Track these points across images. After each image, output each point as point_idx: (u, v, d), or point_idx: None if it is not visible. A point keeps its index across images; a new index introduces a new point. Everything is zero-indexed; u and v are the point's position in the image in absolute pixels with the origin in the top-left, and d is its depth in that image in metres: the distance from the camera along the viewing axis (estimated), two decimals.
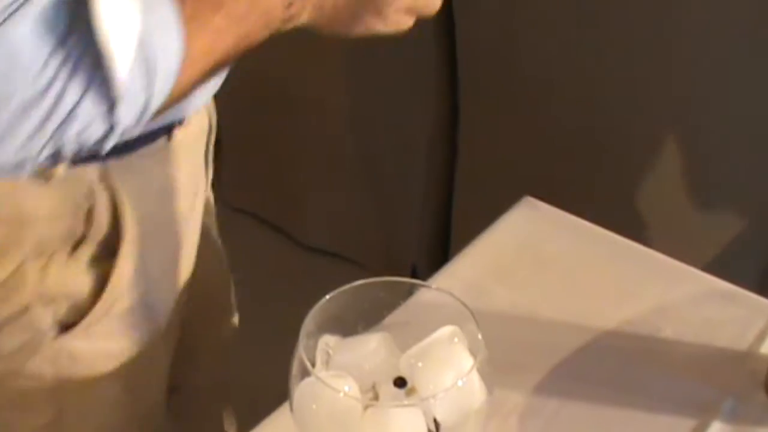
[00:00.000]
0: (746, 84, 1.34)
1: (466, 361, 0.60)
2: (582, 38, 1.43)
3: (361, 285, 0.61)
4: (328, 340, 0.62)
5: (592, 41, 1.41)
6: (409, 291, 0.64)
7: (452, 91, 1.62)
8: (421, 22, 0.73)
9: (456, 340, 0.61)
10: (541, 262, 0.93)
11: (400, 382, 0.62)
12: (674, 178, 1.45)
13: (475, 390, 0.60)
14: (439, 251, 1.84)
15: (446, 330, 0.62)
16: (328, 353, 0.62)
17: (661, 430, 0.78)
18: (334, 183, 1.93)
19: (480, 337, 0.60)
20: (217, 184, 0.98)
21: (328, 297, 0.60)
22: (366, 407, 0.57)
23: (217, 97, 0.87)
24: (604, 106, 1.45)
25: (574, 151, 1.50)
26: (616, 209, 1.25)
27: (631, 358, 0.84)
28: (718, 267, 0.96)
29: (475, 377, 0.60)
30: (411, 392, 0.61)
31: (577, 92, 1.46)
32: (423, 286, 0.64)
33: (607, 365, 0.83)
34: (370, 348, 0.61)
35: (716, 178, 1.43)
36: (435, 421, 0.60)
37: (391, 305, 0.64)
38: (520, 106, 1.54)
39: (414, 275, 1.80)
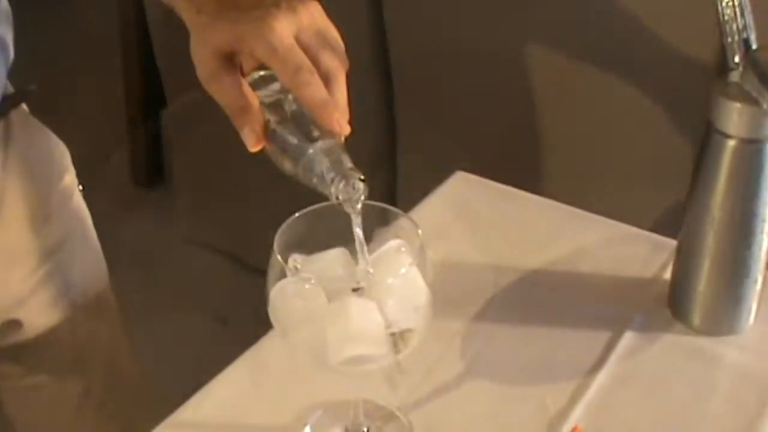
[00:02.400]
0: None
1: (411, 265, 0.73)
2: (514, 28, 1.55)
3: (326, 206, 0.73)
4: (296, 257, 0.75)
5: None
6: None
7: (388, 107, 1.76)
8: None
9: (403, 249, 0.74)
10: (473, 222, 1.07)
11: (358, 291, 0.74)
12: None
13: (419, 286, 0.72)
14: None
15: (394, 243, 0.75)
16: (296, 268, 0.74)
17: (584, 341, 0.91)
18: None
19: (420, 243, 0.73)
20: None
21: (283, 221, 0.73)
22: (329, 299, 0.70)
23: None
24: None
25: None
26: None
27: (554, 289, 0.97)
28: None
29: (418, 277, 0.72)
30: None
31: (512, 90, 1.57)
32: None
33: (534, 295, 0.97)
34: (330, 259, 0.74)
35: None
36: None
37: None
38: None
39: None
